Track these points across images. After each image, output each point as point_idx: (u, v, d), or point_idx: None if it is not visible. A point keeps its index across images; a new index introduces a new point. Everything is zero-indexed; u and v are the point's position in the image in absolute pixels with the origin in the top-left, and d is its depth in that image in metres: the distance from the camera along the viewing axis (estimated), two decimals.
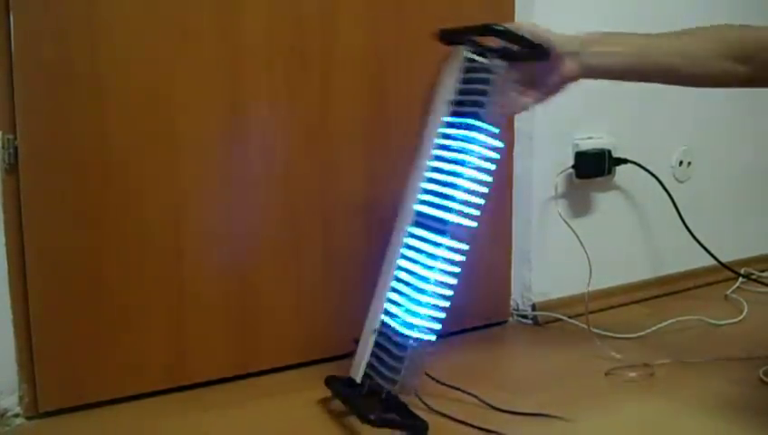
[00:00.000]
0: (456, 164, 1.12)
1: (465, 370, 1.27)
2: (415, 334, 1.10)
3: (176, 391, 1.27)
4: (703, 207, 1.80)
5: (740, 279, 1.84)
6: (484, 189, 1.12)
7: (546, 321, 1.60)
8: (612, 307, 1.70)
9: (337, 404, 1.19)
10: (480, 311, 1.41)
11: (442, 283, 1.10)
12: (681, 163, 1.81)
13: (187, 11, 1.21)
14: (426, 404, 1.17)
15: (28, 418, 1.16)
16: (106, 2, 1.15)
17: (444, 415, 1.16)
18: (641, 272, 1.79)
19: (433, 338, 1.11)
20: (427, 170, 1.16)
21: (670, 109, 1.78)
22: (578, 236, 1.59)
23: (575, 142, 1.63)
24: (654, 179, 1.69)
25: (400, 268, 1.15)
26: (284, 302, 1.35)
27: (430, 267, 1.10)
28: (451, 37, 1.20)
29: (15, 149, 1.11)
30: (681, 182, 1.82)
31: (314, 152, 1.34)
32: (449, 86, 1.16)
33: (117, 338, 1.21)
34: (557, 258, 1.62)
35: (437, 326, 1.11)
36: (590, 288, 1.57)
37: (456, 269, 1.11)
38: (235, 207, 1.28)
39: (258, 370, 1.33)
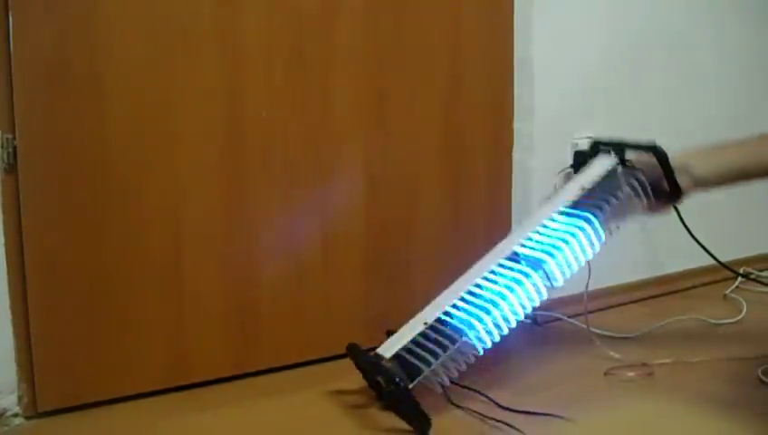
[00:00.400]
0: (560, 240, 1.23)
1: (465, 368, 1.27)
2: (470, 335, 1.15)
3: (174, 390, 1.27)
4: (702, 207, 1.80)
5: (739, 279, 1.84)
6: (572, 271, 1.24)
7: (545, 320, 1.60)
8: (611, 307, 1.70)
9: (334, 404, 1.19)
10: None
11: (514, 308, 1.18)
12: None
13: (187, 11, 1.20)
14: (449, 398, 1.20)
15: (27, 417, 1.17)
16: (106, 2, 1.14)
17: (463, 408, 1.19)
18: (640, 271, 1.79)
19: (480, 349, 1.16)
20: (540, 225, 1.27)
21: (669, 108, 1.78)
22: None
23: (574, 141, 1.63)
24: None
25: (479, 286, 1.21)
26: (284, 302, 1.34)
27: (512, 289, 1.18)
28: (609, 146, 1.33)
29: (14, 148, 1.11)
30: None
31: (314, 152, 1.34)
32: (592, 177, 1.30)
33: (116, 338, 1.21)
34: None
35: (488, 343, 1.17)
36: (590, 288, 1.57)
37: (531, 305, 1.20)
38: (235, 208, 1.28)
39: (256, 369, 1.33)
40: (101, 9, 1.14)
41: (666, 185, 1.27)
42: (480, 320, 1.15)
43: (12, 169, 1.12)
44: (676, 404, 1.22)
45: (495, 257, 1.23)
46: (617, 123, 1.69)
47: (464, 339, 1.14)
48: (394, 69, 1.40)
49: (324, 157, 1.35)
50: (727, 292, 1.80)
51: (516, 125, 1.57)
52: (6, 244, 1.13)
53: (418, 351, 1.15)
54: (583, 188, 1.28)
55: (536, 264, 1.19)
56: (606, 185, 1.28)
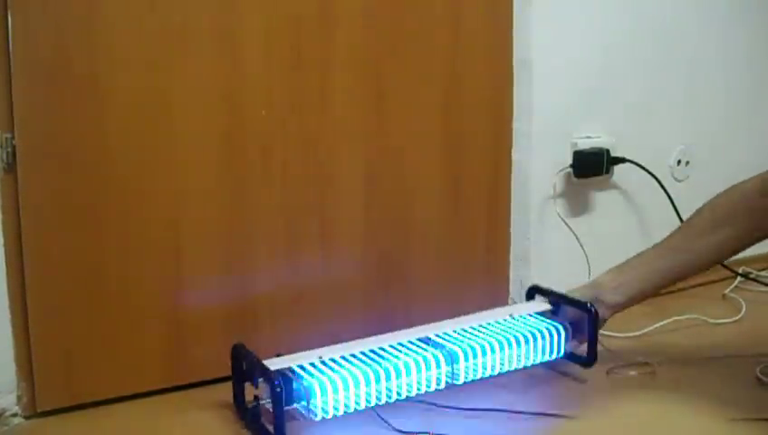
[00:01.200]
0: (480, 345, 1.22)
1: None
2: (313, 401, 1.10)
3: (174, 390, 1.26)
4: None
5: (738, 278, 1.84)
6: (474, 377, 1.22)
7: None
8: None
9: None
10: (479, 309, 1.41)
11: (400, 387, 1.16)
12: (679, 162, 1.81)
13: (186, 11, 1.20)
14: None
15: (26, 417, 1.16)
16: (105, 2, 1.14)
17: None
18: None
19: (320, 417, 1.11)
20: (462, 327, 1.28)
21: (668, 108, 1.78)
22: (576, 235, 1.59)
23: (573, 141, 1.63)
24: (652, 179, 1.69)
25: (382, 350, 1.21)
26: (283, 301, 1.34)
27: (409, 368, 1.16)
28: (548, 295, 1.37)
29: (14, 148, 1.11)
30: (679, 181, 1.82)
31: (313, 152, 1.34)
32: (523, 310, 1.34)
33: (115, 337, 1.21)
34: (555, 257, 1.62)
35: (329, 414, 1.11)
36: None
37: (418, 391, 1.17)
38: (234, 207, 1.28)
39: None
40: (101, 9, 1.14)
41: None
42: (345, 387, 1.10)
43: (11, 168, 1.12)
44: (677, 403, 1.22)
45: (406, 335, 1.22)
46: (617, 122, 1.69)
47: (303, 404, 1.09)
48: (393, 68, 1.40)
49: (323, 156, 1.35)
50: (726, 291, 1.80)
51: (515, 125, 1.57)
52: (6, 244, 1.13)
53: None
54: (511, 316, 1.31)
55: (448, 354, 1.17)
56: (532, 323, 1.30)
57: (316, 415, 1.09)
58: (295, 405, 1.10)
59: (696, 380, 1.31)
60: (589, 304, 1.28)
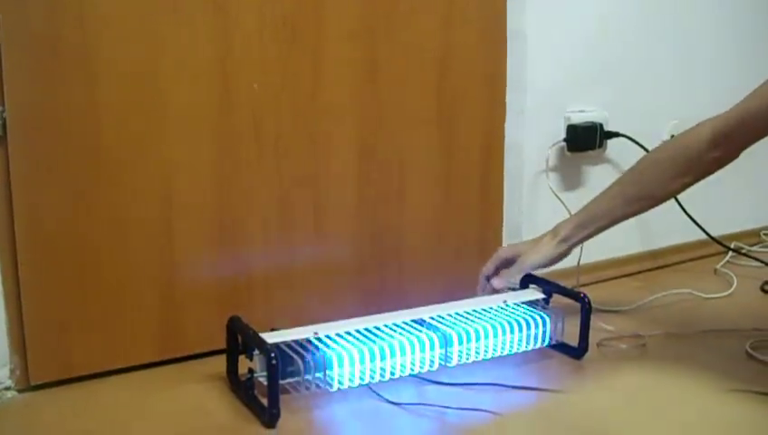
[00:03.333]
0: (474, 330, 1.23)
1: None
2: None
3: (167, 363, 1.27)
4: None
5: (729, 253, 1.85)
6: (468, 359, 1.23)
7: None
8: (603, 281, 1.71)
9: None
10: (471, 284, 1.41)
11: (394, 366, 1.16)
12: (672, 137, 1.81)
13: None
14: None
15: (19, 391, 1.16)
16: None
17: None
18: (632, 246, 1.79)
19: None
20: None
21: (662, 83, 1.78)
22: (569, 210, 1.59)
23: (567, 115, 1.63)
24: (645, 153, 1.69)
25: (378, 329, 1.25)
26: (275, 274, 1.34)
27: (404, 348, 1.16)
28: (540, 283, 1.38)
29: (4, 120, 1.10)
30: None
31: (305, 124, 1.34)
32: (517, 297, 1.35)
33: (108, 310, 1.21)
34: None
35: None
36: (582, 262, 1.58)
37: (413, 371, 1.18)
38: (225, 180, 1.28)
39: None
40: None
41: None
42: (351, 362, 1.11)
43: (2, 140, 1.11)
44: (668, 376, 1.23)
45: (403, 316, 1.23)
46: (611, 96, 1.69)
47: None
48: (387, 40, 1.39)
49: (317, 128, 1.35)
50: (718, 266, 1.81)
51: (509, 97, 1.57)
52: None
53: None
54: (505, 303, 1.31)
55: (443, 336, 1.18)
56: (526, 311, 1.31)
57: (311, 389, 1.09)
58: (289, 379, 1.11)
59: (687, 353, 1.32)
60: (582, 294, 1.29)
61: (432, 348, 1.17)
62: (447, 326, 1.21)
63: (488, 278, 1.38)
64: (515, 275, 1.36)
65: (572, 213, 1.44)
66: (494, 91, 1.56)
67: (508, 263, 1.38)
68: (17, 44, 1.09)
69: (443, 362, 1.18)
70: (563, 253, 1.37)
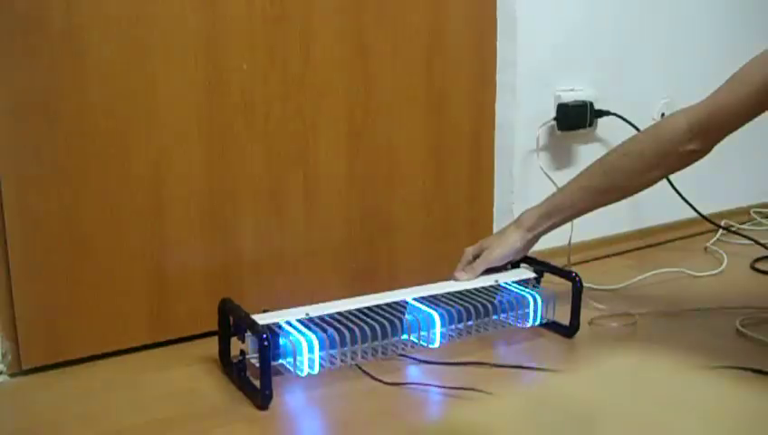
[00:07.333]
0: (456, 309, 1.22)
1: None
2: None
3: (159, 346, 1.27)
4: None
5: (720, 231, 1.86)
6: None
7: None
8: (595, 259, 1.72)
9: None
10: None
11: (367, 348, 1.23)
12: (663, 115, 1.81)
13: None
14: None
15: (11, 375, 1.16)
16: None
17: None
18: (623, 224, 1.80)
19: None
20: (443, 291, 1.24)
21: (652, 61, 1.78)
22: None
23: (557, 94, 1.62)
24: (636, 132, 1.69)
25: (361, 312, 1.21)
26: (266, 256, 1.34)
27: (384, 330, 1.10)
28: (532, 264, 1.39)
29: None
30: None
31: (295, 106, 1.33)
32: (508, 277, 1.35)
33: (99, 294, 1.20)
34: None
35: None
36: (572, 241, 1.58)
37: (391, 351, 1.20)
38: (216, 163, 1.27)
39: None
40: None
41: None
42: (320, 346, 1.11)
43: None
44: (659, 354, 1.24)
45: (393, 296, 1.23)
46: (601, 75, 1.68)
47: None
48: (376, 22, 1.39)
49: (306, 110, 1.34)
50: (708, 244, 1.82)
51: (499, 77, 1.56)
52: None
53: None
54: (497, 282, 1.30)
55: (433, 316, 1.18)
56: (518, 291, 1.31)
57: (302, 370, 1.09)
58: (281, 360, 1.11)
59: (678, 331, 1.33)
60: (573, 273, 1.29)
61: (425, 329, 1.18)
62: (438, 306, 1.21)
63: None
64: (481, 267, 1.32)
65: None
66: (485, 69, 1.55)
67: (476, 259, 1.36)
68: (2, 27, 1.08)
69: (434, 342, 1.19)
70: (529, 243, 1.35)
